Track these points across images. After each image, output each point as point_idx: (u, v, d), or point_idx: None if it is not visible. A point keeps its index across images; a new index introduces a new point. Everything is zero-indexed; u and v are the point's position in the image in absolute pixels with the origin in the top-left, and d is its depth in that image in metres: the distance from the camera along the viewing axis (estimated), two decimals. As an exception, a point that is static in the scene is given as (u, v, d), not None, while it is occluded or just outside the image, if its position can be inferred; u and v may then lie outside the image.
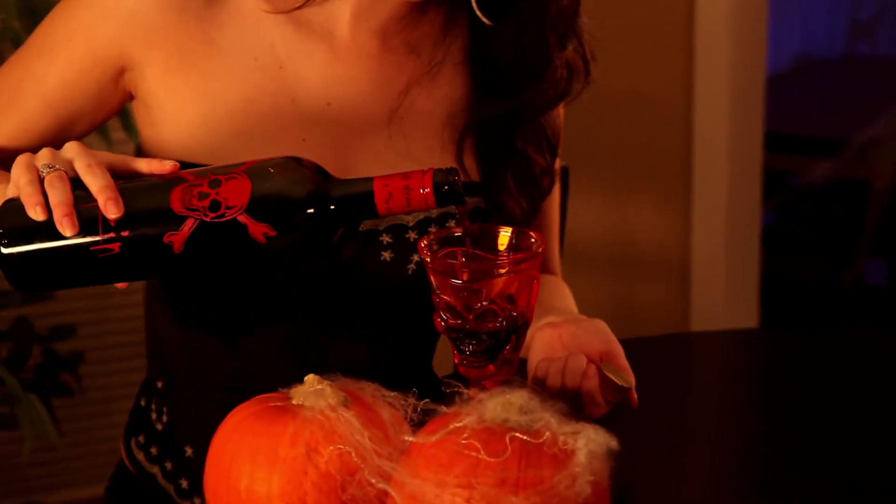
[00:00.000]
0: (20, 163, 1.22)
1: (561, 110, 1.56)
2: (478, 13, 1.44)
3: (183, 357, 1.49)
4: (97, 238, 1.18)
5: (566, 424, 1.07)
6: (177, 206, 1.18)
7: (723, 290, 3.04)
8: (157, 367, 1.55)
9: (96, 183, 1.19)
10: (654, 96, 2.96)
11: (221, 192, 1.18)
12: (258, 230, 1.18)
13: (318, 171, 1.23)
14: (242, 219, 1.18)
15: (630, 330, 1.77)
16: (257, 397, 1.18)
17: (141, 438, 1.56)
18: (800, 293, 3.97)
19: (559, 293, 1.59)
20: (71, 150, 1.23)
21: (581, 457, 1.05)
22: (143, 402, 1.57)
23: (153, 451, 1.54)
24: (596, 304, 2.72)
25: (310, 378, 1.16)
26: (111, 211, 1.18)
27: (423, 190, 1.17)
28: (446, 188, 1.18)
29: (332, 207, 1.20)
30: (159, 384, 1.54)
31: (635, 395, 1.34)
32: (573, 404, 1.29)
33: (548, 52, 1.48)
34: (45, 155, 1.23)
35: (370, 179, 1.19)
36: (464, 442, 1.06)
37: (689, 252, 3.04)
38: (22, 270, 1.20)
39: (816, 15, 5.10)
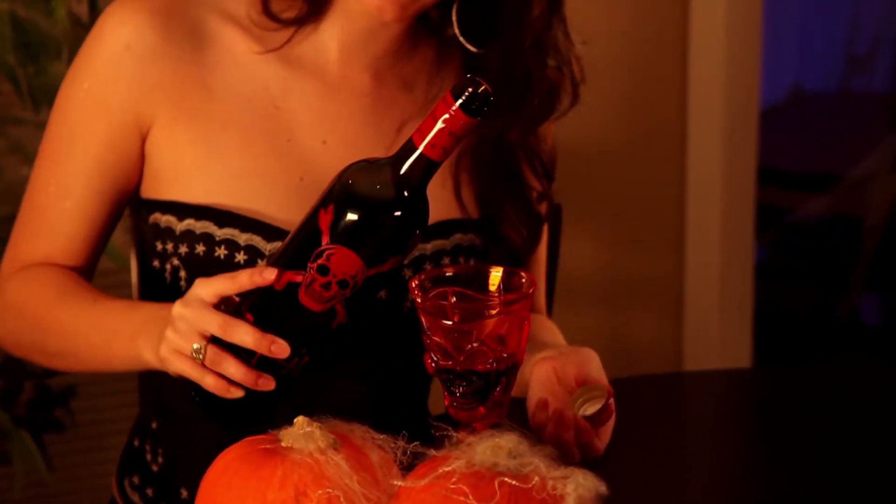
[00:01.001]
0: (172, 360, 1.26)
1: (550, 138, 1.55)
2: (461, 40, 1.45)
3: (179, 395, 1.49)
4: (290, 367, 1.25)
5: (555, 469, 1.07)
6: (316, 306, 1.23)
7: (717, 325, 3.04)
8: (152, 407, 1.54)
9: (248, 339, 1.22)
10: (648, 129, 2.97)
11: (336, 272, 1.21)
12: (387, 267, 1.23)
13: (371, 169, 1.23)
14: (372, 273, 1.22)
15: (624, 367, 1.77)
16: (246, 439, 1.17)
17: (135, 479, 1.55)
18: (794, 327, 3.97)
19: (547, 329, 1.59)
20: (189, 317, 1.24)
21: (570, 502, 1.05)
22: (136, 443, 1.56)
23: (149, 492, 1.53)
24: (589, 340, 2.71)
25: (299, 420, 1.15)
26: (280, 354, 1.22)
27: (452, 111, 1.18)
28: (467, 94, 1.18)
29: (407, 194, 1.21)
30: (154, 425, 1.53)
31: (613, 404, 1.33)
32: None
33: (529, 72, 1.48)
34: (177, 342, 1.25)
35: (411, 144, 1.20)
36: (453, 486, 1.06)
37: (683, 287, 3.03)
38: (238, 422, 1.29)
39: (811, 48, 5.11)
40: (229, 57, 1.44)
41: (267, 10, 1.44)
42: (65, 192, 1.45)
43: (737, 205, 3.03)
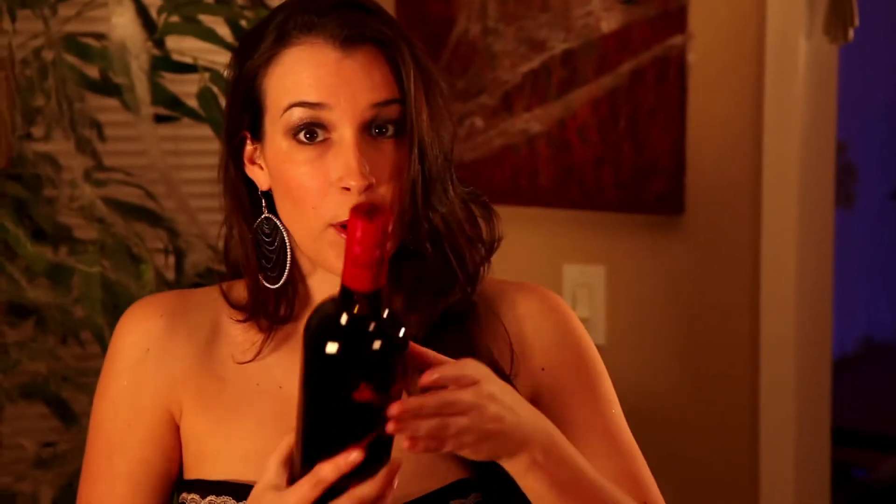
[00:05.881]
0: None
1: (457, 207, 1.52)
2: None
3: None
4: None
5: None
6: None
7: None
8: None
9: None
10: (719, 387, 2.96)
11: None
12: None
13: (329, 317, 1.26)
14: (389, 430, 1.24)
15: None
16: None
17: None
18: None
19: None
20: None
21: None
22: None
23: None
24: None
25: None
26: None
27: (349, 227, 1.19)
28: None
29: (373, 326, 1.23)
30: None
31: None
32: None
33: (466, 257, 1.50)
34: None
35: (343, 286, 1.22)
36: None
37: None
38: None
39: (881, 297, 5.11)
40: (236, 347, 1.53)
41: (255, 318, 1.52)
42: (113, 494, 1.52)
43: (811, 464, 3.01)
